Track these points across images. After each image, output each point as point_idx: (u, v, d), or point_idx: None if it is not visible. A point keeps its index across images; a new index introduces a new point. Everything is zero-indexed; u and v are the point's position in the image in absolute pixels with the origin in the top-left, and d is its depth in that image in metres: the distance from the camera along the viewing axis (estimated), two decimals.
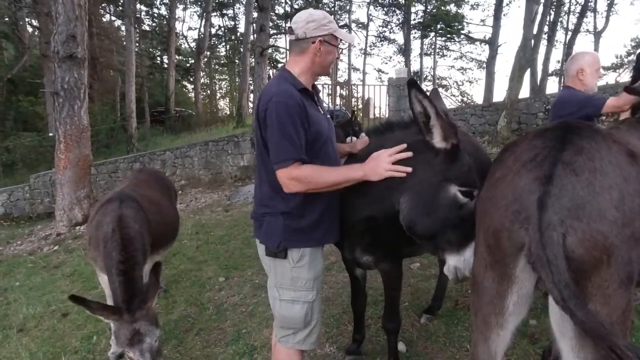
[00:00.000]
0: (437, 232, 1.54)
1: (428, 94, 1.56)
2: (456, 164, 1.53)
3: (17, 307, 3.96)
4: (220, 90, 35.03)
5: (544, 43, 19.00)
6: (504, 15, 22.70)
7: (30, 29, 20.87)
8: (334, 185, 1.63)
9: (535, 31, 11.20)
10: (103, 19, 23.18)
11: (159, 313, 3.38)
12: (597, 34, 23.58)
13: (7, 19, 18.68)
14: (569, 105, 2.55)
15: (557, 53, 25.05)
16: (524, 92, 15.64)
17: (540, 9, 11.67)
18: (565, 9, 22.63)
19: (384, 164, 1.58)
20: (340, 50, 1.84)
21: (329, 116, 1.88)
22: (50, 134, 12.94)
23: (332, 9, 29.03)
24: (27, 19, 19.58)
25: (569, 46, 21.73)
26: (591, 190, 1.09)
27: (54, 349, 3.07)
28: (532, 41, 10.22)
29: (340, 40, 1.76)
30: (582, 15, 21.27)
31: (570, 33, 22.36)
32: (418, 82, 1.85)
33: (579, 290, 1.05)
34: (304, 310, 1.74)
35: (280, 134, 1.55)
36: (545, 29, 17.51)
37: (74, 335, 3.22)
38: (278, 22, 27.89)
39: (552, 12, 18.66)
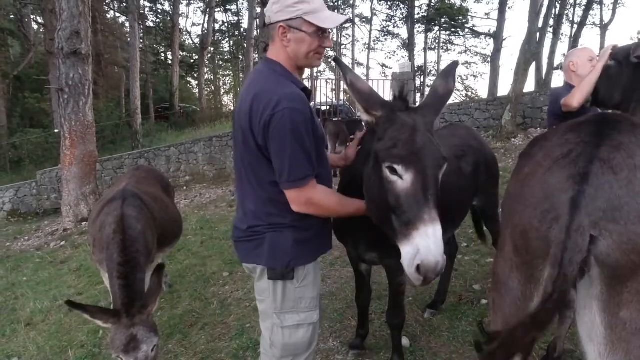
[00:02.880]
0: (380, 216, 1.42)
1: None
2: (385, 138, 1.40)
3: (24, 302, 4.01)
4: (224, 86, 34.99)
5: (549, 36, 18.81)
6: (509, 8, 22.44)
7: (35, 26, 21.02)
8: (349, 215, 1.57)
9: (540, 24, 11.09)
10: (107, 15, 23.20)
11: (163, 308, 3.42)
12: (604, 27, 23.28)
13: (12, 16, 18.80)
14: (552, 101, 2.59)
15: (563, 46, 24.91)
16: (529, 86, 15.51)
17: (546, 1, 11.53)
18: (571, 1, 22.37)
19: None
20: (324, 34, 1.47)
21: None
22: (56, 131, 13.02)
23: (336, 4, 28.87)
24: (32, 16, 19.71)
25: (575, 39, 21.51)
26: (631, 190, 1.02)
27: (61, 343, 3.11)
28: (538, 34, 10.11)
29: (320, 27, 1.44)
30: (588, 8, 20.97)
31: (576, 26, 22.13)
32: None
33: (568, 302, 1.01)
34: (309, 334, 1.56)
35: (295, 148, 1.35)
36: (551, 22, 17.33)
37: (80, 329, 3.25)
38: None
39: (558, 5, 18.45)
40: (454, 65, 1.64)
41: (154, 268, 2.09)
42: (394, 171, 1.34)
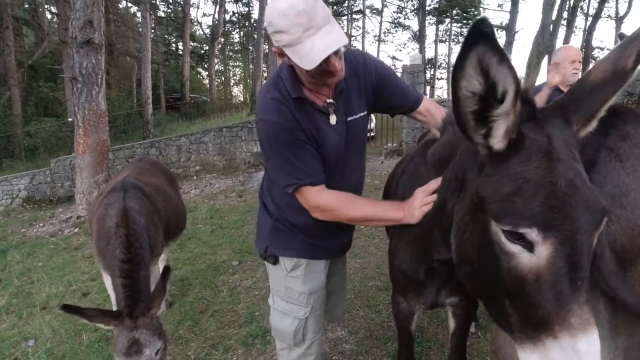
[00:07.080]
0: (486, 296, 0.93)
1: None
2: (497, 174, 0.83)
3: (40, 287, 4.12)
4: (234, 77, 35.08)
5: (562, 29, 18.45)
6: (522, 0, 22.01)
7: (49, 16, 21.22)
8: (365, 221, 1.39)
9: (554, 16, 10.88)
10: (119, 5, 23.31)
11: (175, 295, 3.49)
12: (619, 20, 22.76)
13: (27, 5, 18.98)
14: None
15: (577, 39, 24.45)
16: (541, 79, 15.23)
17: None
18: None
19: (417, 201, 1.22)
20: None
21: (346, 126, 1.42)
22: (70, 119, 13.19)
23: None
24: (46, 6, 19.90)
25: (589, 32, 21.12)
26: (637, 178, 1.05)
27: (75, 326, 3.19)
28: (551, 27, 9.91)
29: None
30: (603, 0, 20.49)
31: (590, 18, 21.70)
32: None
33: (625, 276, 1.02)
34: (294, 326, 1.53)
35: (276, 157, 1.33)
36: (565, 14, 16.96)
37: None
38: None
39: None
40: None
41: (162, 270, 1.95)
42: (517, 238, 0.79)
